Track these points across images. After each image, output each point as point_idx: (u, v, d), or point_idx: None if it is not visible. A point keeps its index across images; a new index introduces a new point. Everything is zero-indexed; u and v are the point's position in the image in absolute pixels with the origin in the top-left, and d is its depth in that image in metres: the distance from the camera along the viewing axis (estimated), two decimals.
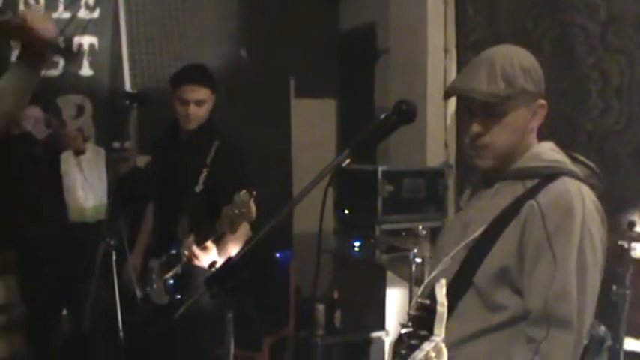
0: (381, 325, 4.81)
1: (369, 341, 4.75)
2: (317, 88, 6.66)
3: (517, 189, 2.09)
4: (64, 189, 5.01)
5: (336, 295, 5.15)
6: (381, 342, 4.77)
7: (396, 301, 4.84)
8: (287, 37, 6.27)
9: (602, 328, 3.50)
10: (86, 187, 4.99)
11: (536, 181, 2.07)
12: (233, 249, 3.71)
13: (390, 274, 4.86)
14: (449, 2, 5.43)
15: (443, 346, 1.73)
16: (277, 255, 5.68)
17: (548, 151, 2.16)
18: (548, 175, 2.07)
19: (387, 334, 4.78)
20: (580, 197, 2.01)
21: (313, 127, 6.58)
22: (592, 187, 2.13)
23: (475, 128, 2.12)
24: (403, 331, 1.80)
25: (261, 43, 6.30)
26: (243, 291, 1.99)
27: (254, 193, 3.22)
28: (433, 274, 2.20)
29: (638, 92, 4.30)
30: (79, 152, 4.97)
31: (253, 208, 3.22)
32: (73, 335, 4.82)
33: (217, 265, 2.02)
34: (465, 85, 2.11)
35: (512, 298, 2.03)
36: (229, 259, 1.99)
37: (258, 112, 6.12)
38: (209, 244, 3.57)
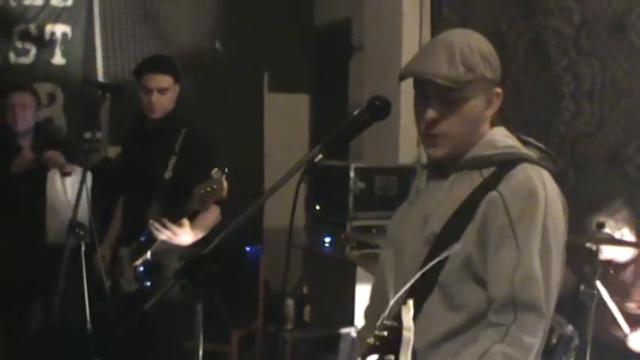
0: (350, 321, 4.81)
1: (337, 337, 4.75)
2: (291, 83, 6.64)
3: (474, 178, 2.03)
4: (47, 207, 4.87)
5: (305, 290, 5.14)
6: (352, 340, 4.77)
7: (365, 297, 4.84)
8: (262, 32, 6.25)
9: (570, 328, 3.54)
10: (68, 210, 4.78)
11: (493, 168, 2.01)
12: (202, 231, 3.75)
13: (360, 271, 4.86)
14: (424, 0, 5.45)
15: None
16: (247, 249, 5.67)
17: (502, 137, 2.09)
18: (505, 162, 2.01)
19: (356, 330, 4.79)
20: (542, 182, 1.96)
21: (286, 122, 6.57)
22: (546, 169, 2.07)
23: (431, 114, 2.01)
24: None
25: (235, 37, 6.28)
26: (213, 284, 1.99)
27: (226, 170, 3.25)
28: (388, 272, 2.18)
29: (610, 95, 4.34)
30: (64, 174, 4.82)
31: (225, 184, 3.25)
32: (44, 327, 4.77)
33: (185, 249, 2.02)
34: (423, 68, 2.00)
35: (473, 293, 1.97)
36: (199, 251, 1.99)
37: (231, 105, 6.10)
38: (183, 220, 3.60)
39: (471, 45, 2.02)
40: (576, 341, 3.60)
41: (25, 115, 4.76)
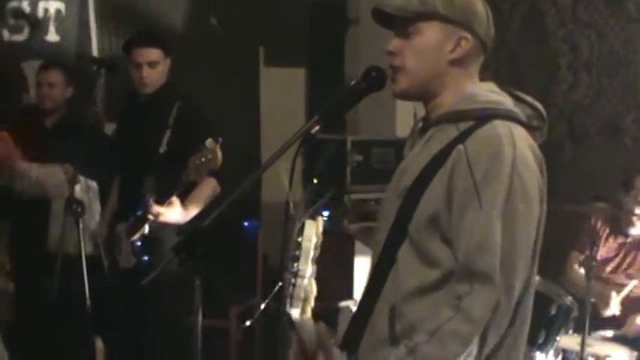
0: (349, 294, 4.82)
1: (336, 310, 4.76)
2: (287, 56, 6.61)
3: (451, 133, 1.96)
4: (51, 214, 4.75)
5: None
6: (349, 311, 4.78)
7: (364, 270, 4.85)
8: (257, 6, 6.21)
9: (569, 299, 3.55)
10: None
11: (470, 123, 1.95)
12: (197, 205, 3.74)
13: (358, 244, 4.86)
14: None
15: (313, 281, 1.80)
16: (245, 224, 5.67)
17: (485, 92, 2.04)
18: (481, 118, 1.95)
19: (355, 303, 4.80)
20: (510, 141, 1.89)
21: (282, 96, 6.54)
22: (534, 128, 2.04)
23: (389, 46, 2.03)
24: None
25: (231, 11, 6.24)
26: (211, 259, 1.98)
27: (219, 139, 3.24)
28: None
29: (607, 66, 4.33)
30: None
31: (219, 154, 3.26)
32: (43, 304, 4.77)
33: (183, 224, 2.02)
34: (384, 1, 2.05)
35: (444, 250, 1.92)
36: (197, 225, 1.98)
37: (227, 80, 6.07)
38: (173, 198, 3.59)
39: None
40: (575, 312, 3.62)
41: (52, 93, 4.72)
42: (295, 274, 1.86)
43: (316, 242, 1.91)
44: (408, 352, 1.87)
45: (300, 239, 1.86)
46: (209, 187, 3.79)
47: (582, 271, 3.81)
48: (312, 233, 1.86)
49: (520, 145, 1.91)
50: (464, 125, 1.96)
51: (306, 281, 1.88)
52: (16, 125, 4.69)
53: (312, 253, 1.84)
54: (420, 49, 2.01)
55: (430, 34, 2.00)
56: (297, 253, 1.86)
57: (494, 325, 1.86)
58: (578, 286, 3.88)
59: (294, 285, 1.88)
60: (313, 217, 1.92)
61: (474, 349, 1.86)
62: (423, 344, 1.85)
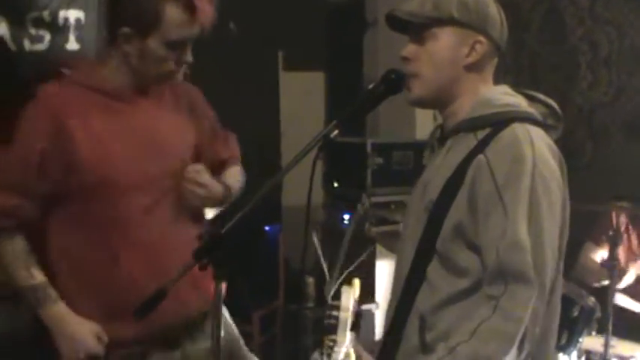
0: (370, 297, 4.81)
1: (358, 314, 4.76)
2: (305, 60, 6.62)
3: (470, 142, 1.97)
4: None
5: (325, 268, 5.15)
6: (371, 315, 4.78)
7: (385, 273, 4.85)
8: (275, 10, 6.23)
9: (592, 300, 3.53)
10: None
11: (488, 130, 1.96)
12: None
13: (379, 247, 4.86)
14: None
15: (351, 351, 1.76)
16: (266, 228, 5.67)
17: (500, 95, 2.04)
18: (499, 122, 1.95)
19: (377, 306, 4.79)
20: (529, 142, 1.89)
21: (302, 100, 6.55)
22: (550, 127, 2.04)
23: (403, 52, 2.04)
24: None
25: (249, 16, 6.26)
26: (233, 263, 1.98)
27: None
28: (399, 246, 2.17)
29: (627, 63, 4.30)
30: None
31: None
32: None
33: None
34: (398, 7, 2.04)
35: (471, 258, 1.93)
36: (218, 230, 1.98)
37: (246, 85, 6.09)
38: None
39: None
40: (598, 313, 3.59)
41: None
42: (332, 347, 1.81)
43: (353, 307, 1.87)
44: (448, 352, 1.87)
45: (335, 303, 1.82)
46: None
47: (597, 259, 3.82)
48: (348, 303, 1.82)
49: (539, 144, 1.92)
50: (482, 133, 1.96)
51: (344, 350, 1.84)
52: None
53: (349, 322, 1.80)
54: (435, 54, 2.01)
55: (445, 39, 2.01)
56: (333, 321, 1.81)
57: (532, 324, 1.86)
58: (592, 272, 3.85)
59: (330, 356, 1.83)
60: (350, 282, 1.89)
61: (514, 350, 1.85)
62: (463, 344, 1.85)
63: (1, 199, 2.45)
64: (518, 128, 1.93)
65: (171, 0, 2.46)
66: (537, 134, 1.95)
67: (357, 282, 1.78)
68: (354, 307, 1.85)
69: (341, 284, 1.92)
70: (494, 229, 1.87)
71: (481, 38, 2.01)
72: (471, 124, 2.00)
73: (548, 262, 1.88)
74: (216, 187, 2.67)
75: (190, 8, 2.49)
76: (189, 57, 2.59)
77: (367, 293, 4.84)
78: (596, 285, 3.86)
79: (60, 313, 2.49)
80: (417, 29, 2.02)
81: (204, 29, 2.57)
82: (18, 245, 2.49)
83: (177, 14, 2.47)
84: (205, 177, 2.64)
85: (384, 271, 4.87)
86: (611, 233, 3.65)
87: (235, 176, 2.88)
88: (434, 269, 1.99)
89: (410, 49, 2.04)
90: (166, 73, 2.58)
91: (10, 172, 2.48)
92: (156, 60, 2.51)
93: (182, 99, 2.78)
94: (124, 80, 2.56)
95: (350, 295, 1.78)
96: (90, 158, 2.44)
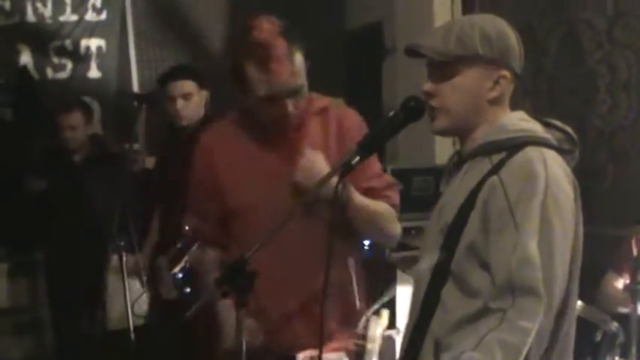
0: (391, 323, 4.79)
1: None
2: (324, 87, 6.63)
3: (485, 166, 1.99)
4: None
5: None
6: (392, 341, 4.75)
7: (405, 299, 4.83)
8: (293, 37, 6.27)
9: (615, 324, 3.50)
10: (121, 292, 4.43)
11: (503, 154, 1.97)
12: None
13: (400, 273, 4.84)
14: (455, 0, 5.43)
15: None
16: None
17: (516, 121, 2.05)
18: (513, 147, 1.97)
19: (398, 332, 4.76)
20: (542, 163, 1.91)
21: None
22: (566, 151, 2.04)
23: (426, 87, 2.04)
24: None
25: None
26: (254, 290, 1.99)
27: None
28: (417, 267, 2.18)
29: None
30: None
31: None
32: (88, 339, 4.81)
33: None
34: (419, 41, 2.04)
35: (484, 278, 1.93)
36: (239, 258, 1.99)
37: None
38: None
39: (475, 24, 2.03)
40: (621, 338, 3.57)
41: (75, 135, 4.80)
42: None
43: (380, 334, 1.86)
44: None
45: (363, 332, 1.82)
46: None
47: (620, 286, 3.78)
48: (376, 333, 1.83)
49: (551, 164, 1.94)
50: (497, 157, 1.98)
51: None
52: None
53: (377, 350, 1.81)
54: (460, 88, 2.02)
55: (470, 74, 2.02)
56: (361, 350, 1.81)
57: (536, 342, 1.86)
58: (614, 299, 3.82)
59: None
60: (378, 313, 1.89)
61: None
62: (467, 352, 1.85)
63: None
64: (532, 151, 1.95)
65: (249, 60, 2.64)
66: (552, 156, 1.97)
67: (385, 313, 1.79)
68: (380, 338, 1.85)
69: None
70: (505, 245, 1.88)
71: (504, 72, 2.03)
72: (487, 149, 2.02)
73: (558, 280, 1.89)
74: (323, 169, 2.59)
75: (265, 68, 2.64)
76: (290, 108, 2.74)
77: (389, 319, 4.82)
78: (619, 310, 3.82)
79: None
80: (440, 65, 2.03)
81: (287, 86, 2.71)
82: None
83: (255, 73, 2.63)
84: (317, 157, 2.68)
85: (405, 296, 4.85)
86: (634, 255, 3.62)
87: (377, 205, 2.81)
88: (448, 291, 2.00)
89: (431, 85, 2.05)
90: (277, 118, 2.72)
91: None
92: (258, 111, 2.67)
93: (331, 125, 2.94)
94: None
95: (379, 326, 1.78)
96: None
